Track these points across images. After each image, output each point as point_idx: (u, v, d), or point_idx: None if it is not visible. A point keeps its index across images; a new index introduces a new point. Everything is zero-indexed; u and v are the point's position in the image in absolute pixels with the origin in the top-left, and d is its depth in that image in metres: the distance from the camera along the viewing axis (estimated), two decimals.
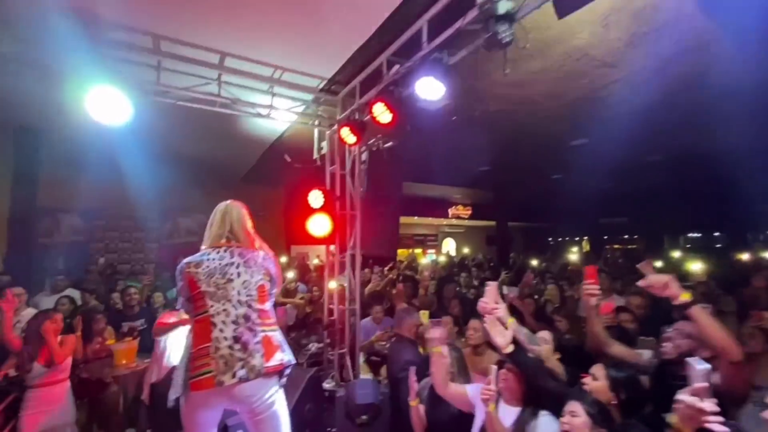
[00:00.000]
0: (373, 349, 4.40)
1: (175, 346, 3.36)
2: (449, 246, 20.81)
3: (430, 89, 2.78)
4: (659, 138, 7.47)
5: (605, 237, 21.28)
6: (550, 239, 23.38)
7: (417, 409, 2.47)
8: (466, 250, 17.54)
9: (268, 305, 2.02)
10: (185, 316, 3.41)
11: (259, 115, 4.38)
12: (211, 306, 1.88)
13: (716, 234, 17.17)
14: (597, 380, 2.04)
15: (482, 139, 6.72)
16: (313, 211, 4.55)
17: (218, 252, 2.00)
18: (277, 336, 1.99)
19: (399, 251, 12.76)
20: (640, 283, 1.96)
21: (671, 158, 9.10)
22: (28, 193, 5.98)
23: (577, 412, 1.72)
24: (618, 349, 2.36)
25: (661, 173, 10.23)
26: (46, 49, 3.24)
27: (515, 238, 19.23)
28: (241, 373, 1.78)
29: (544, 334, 2.50)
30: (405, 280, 5.60)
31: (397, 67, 3.30)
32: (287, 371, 1.99)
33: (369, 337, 4.50)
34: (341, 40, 3.76)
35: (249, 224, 2.15)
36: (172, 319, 3.43)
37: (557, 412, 2.04)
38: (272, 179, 9.50)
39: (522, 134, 6.68)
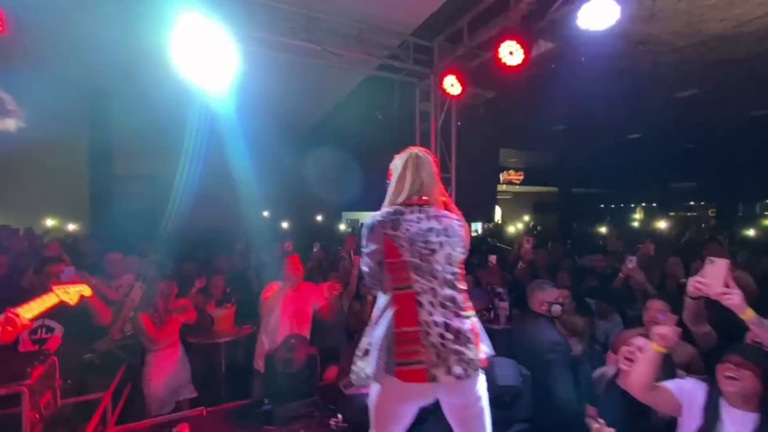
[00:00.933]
0: None
1: (288, 315, 3.21)
2: (496, 214, 20.08)
3: (599, 15, 2.23)
4: None
5: (666, 203, 19.72)
6: (602, 206, 22.05)
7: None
8: (525, 218, 16.70)
9: (465, 284, 1.68)
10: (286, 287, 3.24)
11: (344, 65, 3.94)
12: (416, 281, 1.55)
13: None
14: None
15: (572, 92, 5.96)
16: None
17: (413, 212, 1.63)
18: (478, 323, 1.67)
19: None
20: None
21: None
22: (104, 160, 5.99)
23: None
24: None
25: (762, 131, 8.98)
26: None
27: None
28: (458, 370, 1.48)
29: None
30: (491, 251, 5.19)
31: None
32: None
33: None
34: None
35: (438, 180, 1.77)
36: (272, 292, 3.25)
37: None
38: (330, 140, 9.15)
39: (620, 85, 5.86)
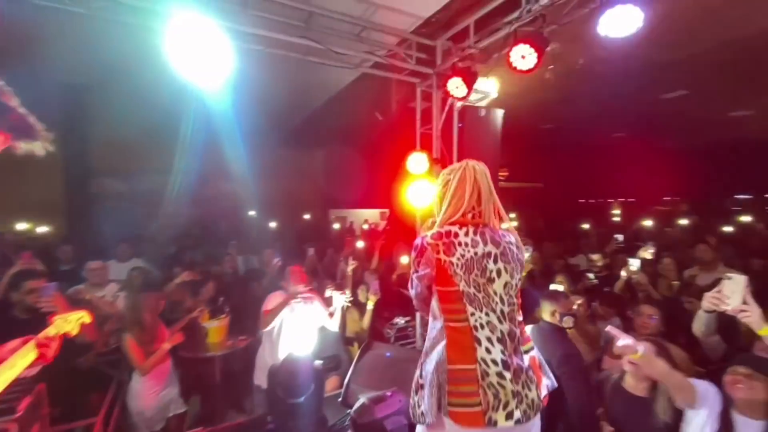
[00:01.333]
0: None
1: (290, 327, 3.06)
2: None
3: (623, 22, 2.17)
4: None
5: (644, 198, 20.38)
6: (581, 201, 22.59)
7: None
8: (512, 215, 16.94)
9: (522, 315, 1.55)
10: (293, 291, 3.08)
11: (345, 63, 3.77)
12: (472, 314, 1.41)
13: None
14: None
15: (565, 92, 5.99)
16: (401, 176, 4.10)
17: (468, 234, 1.45)
18: (538, 354, 1.57)
19: None
20: None
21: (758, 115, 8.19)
22: (80, 155, 5.60)
23: None
24: None
25: (739, 131, 9.33)
26: None
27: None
28: (518, 414, 1.36)
29: None
30: None
31: None
32: None
33: None
34: None
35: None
36: (274, 303, 3.09)
37: None
38: (314, 139, 8.93)
39: (612, 87, 5.92)
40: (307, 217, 10.16)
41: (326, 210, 11.64)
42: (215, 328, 3.56)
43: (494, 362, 1.38)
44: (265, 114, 6.82)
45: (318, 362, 2.95)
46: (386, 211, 11.41)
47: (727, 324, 2.53)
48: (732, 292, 1.75)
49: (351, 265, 4.13)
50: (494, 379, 1.37)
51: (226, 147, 6.08)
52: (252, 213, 8.60)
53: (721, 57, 4.77)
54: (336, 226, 9.08)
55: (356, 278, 4.30)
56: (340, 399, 2.93)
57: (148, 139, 5.91)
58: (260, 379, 3.05)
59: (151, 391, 2.98)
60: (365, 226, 9.48)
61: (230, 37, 2.75)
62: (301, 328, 3.10)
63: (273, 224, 7.89)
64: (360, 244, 5.32)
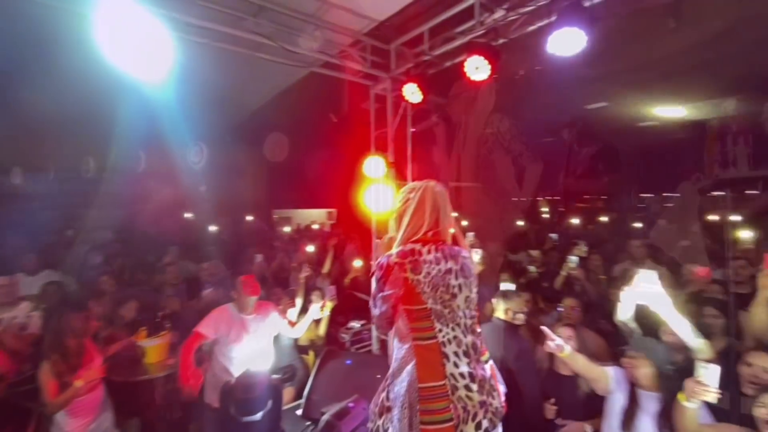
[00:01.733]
0: None
1: (246, 345, 2.86)
2: None
3: (568, 42, 2.35)
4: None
5: (566, 196, 22.48)
6: (514, 199, 24.25)
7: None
8: (454, 214, 17.52)
9: (480, 327, 1.60)
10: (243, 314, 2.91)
11: (296, 61, 3.63)
12: (440, 331, 1.43)
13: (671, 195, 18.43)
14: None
15: (505, 100, 6.38)
16: (353, 176, 4.07)
17: (430, 252, 1.48)
18: (492, 363, 1.63)
19: None
20: None
21: (661, 124, 9.42)
22: None
23: None
24: None
25: (645, 139, 10.68)
26: None
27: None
28: (485, 423, 1.40)
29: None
30: None
31: (503, 12, 2.78)
32: None
33: None
34: None
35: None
36: (213, 323, 2.86)
37: None
38: (258, 136, 8.50)
39: (546, 97, 6.41)
40: (250, 218, 9.62)
41: (269, 210, 11.17)
42: (154, 347, 3.22)
43: (462, 375, 1.42)
44: (207, 109, 6.35)
45: (275, 376, 2.83)
46: (333, 210, 11.24)
47: (642, 313, 2.95)
48: (646, 287, 2.07)
49: (305, 272, 3.99)
50: (462, 392, 1.41)
51: (162, 143, 5.52)
52: (189, 215, 7.92)
53: (637, 75, 5.40)
54: (286, 229, 8.72)
55: (308, 283, 4.17)
56: (300, 412, 2.84)
57: (66, 133, 5.16)
58: (210, 397, 2.83)
59: (78, 425, 2.62)
60: (315, 227, 9.21)
61: (173, 28, 2.51)
62: (258, 344, 2.93)
63: (213, 227, 7.34)
64: (310, 248, 5.15)
